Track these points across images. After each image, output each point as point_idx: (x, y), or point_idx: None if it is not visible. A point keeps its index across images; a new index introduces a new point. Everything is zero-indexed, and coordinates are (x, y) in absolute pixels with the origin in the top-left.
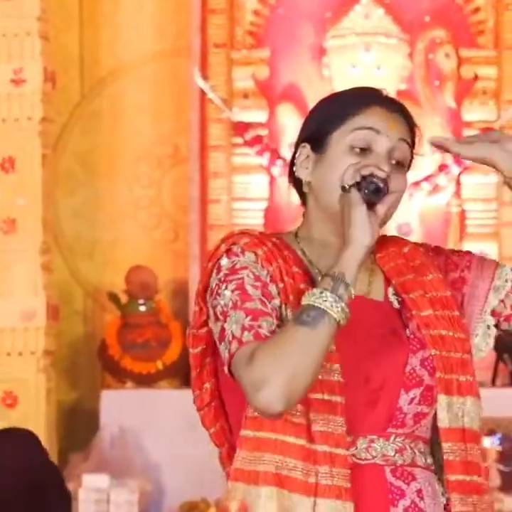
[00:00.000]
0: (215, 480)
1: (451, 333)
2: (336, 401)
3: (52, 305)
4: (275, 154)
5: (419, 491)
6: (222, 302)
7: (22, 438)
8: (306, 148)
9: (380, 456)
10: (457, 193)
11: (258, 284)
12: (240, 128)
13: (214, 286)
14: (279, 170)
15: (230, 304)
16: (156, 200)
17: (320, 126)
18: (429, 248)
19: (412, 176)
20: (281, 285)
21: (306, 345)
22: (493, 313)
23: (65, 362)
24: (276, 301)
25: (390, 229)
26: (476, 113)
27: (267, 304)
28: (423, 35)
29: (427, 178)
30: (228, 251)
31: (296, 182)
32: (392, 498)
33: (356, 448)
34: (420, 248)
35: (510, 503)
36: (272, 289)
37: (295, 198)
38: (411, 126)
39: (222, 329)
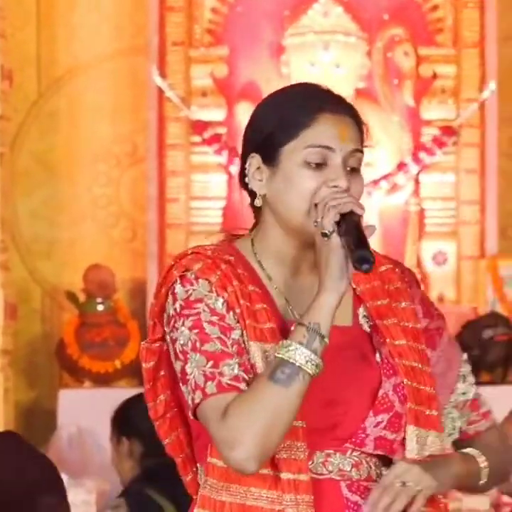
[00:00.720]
0: None
1: (420, 366)
2: (297, 426)
3: (9, 304)
4: (233, 153)
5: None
6: (181, 341)
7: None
8: (255, 159)
9: (337, 470)
10: (416, 192)
11: (215, 318)
12: (199, 126)
13: (171, 314)
14: (237, 169)
15: (190, 345)
16: (114, 199)
17: (269, 138)
18: (404, 270)
19: (370, 174)
20: (238, 310)
21: (279, 405)
22: (455, 407)
23: (23, 361)
24: (236, 332)
25: None
26: (434, 111)
27: (227, 341)
28: (382, 34)
29: (385, 177)
30: (182, 277)
31: (248, 191)
32: None
33: (313, 462)
34: (397, 269)
35: (468, 502)
36: (230, 319)
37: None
38: (359, 124)
39: (183, 371)
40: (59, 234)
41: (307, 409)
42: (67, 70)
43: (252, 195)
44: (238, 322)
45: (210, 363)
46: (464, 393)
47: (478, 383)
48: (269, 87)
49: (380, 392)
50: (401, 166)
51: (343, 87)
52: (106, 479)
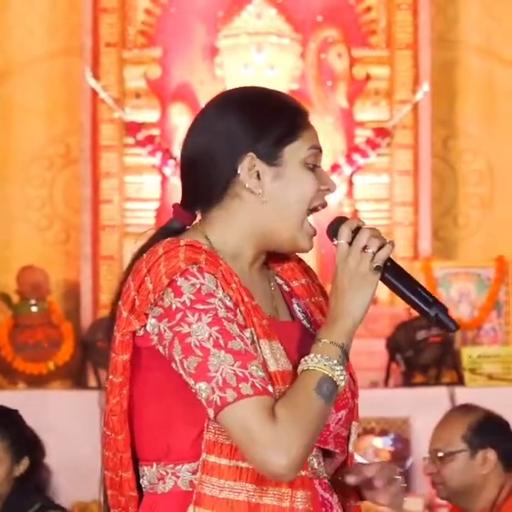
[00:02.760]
0: None
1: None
2: None
3: None
4: (167, 154)
5: (338, 502)
6: (199, 336)
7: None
8: (251, 157)
9: (310, 469)
10: (349, 194)
11: (231, 315)
12: (132, 128)
13: (174, 308)
14: (171, 170)
15: (212, 341)
16: (48, 200)
17: (272, 137)
18: (307, 266)
19: None
20: (242, 308)
21: (322, 419)
22: None
23: None
24: (248, 330)
25: None
26: (368, 113)
27: (246, 339)
28: (315, 35)
29: None
30: (186, 270)
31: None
32: (326, 511)
33: None
34: (303, 264)
35: (406, 503)
36: (240, 317)
37: None
38: None
39: (202, 367)
40: None
41: None
42: (1, 71)
43: (214, 191)
44: (245, 320)
45: (238, 363)
46: None
47: (412, 384)
48: (202, 88)
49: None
50: (335, 168)
51: (277, 89)
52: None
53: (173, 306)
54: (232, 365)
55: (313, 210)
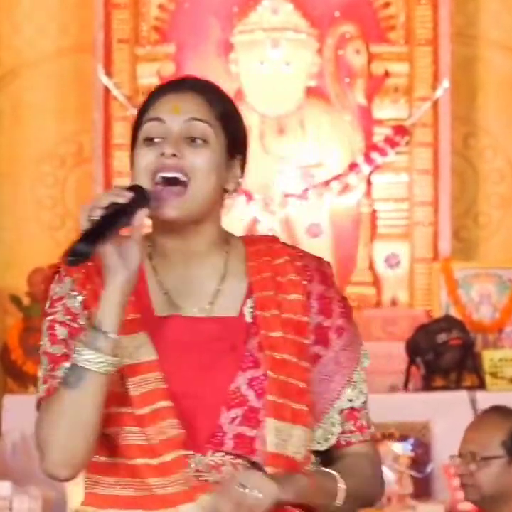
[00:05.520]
0: None
1: (295, 360)
2: (165, 406)
3: None
4: None
5: None
6: (41, 342)
7: None
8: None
9: (193, 472)
10: (368, 193)
11: (67, 319)
12: None
13: (45, 309)
14: None
15: (43, 347)
16: (60, 200)
17: (134, 124)
18: (310, 264)
19: (321, 175)
20: (94, 309)
21: (73, 408)
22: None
23: None
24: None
25: (300, 231)
26: (387, 110)
27: (71, 344)
28: (332, 31)
29: (336, 178)
30: (56, 275)
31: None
32: None
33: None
34: (298, 262)
35: (422, 510)
36: (83, 319)
37: None
38: (210, 99)
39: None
40: (2, 236)
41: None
42: (11, 68)
43: None
44: (89, 319)
45: (50, 366)
46: (350, 400)
47: (432, 388)
48: None
49: (232, 386)
50: (353, 167)
51: (293, 86)
52: (51, 486)
53: (46, 306)
54: (45, 368)
55: (163, 178)
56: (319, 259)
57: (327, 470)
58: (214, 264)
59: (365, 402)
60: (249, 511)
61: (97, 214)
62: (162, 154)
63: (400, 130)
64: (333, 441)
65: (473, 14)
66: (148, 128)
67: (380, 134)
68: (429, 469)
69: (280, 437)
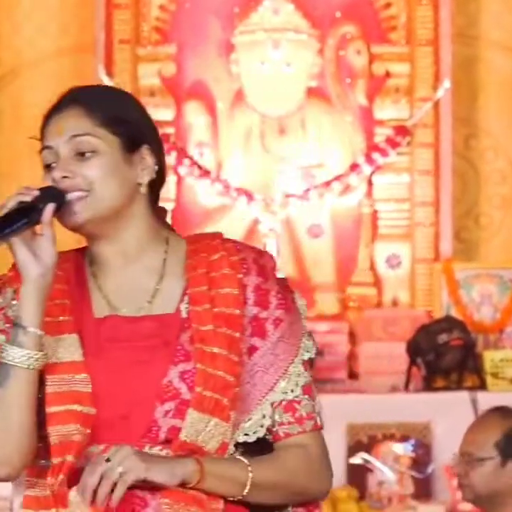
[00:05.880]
0: None
1: (225, 353)
2: (84, 412)
3: None
4: (182, 154)
5: (159, 504)
6: None
7: None
8: None
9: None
10: (369, 193)
11: (7, 327)
12: None
13: None
14: (186, 170)
15: None
16: None
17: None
18: (247, 258)
19: (322, 175)
20: None
21: (1, 407)
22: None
23: None
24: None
25: (300, 231)
26: (388, 111)
27: None
28: (333, 31)
29: (337, 178)
30: (2, 285)
31: None
32: (135, 508)
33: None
34: (234, 257)
35: (423, 511)
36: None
37: (202, 198)
38: (94, 108)
39: None
40: None
41: (100, 398)
42: (11, 68)
43: None
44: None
45: None
46: (284, 393)
47: (433, 389)
48: (218, 86)
49: (164, 380)
50: (354, 167)
51: (294, 86)
52: None
53: None
54: None
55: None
56: (259, 252)
57: (240, 458)
58: (152, 264)
59: (305, 394)
60: (112, 485)
61: (3, 213)
62: (54, 180)
63: (401, 130)
64: (261, 433)
65: (474, 15)
66: (44, 156)
67: (381, 134)
68: (429, 470)
69: (195, 427)
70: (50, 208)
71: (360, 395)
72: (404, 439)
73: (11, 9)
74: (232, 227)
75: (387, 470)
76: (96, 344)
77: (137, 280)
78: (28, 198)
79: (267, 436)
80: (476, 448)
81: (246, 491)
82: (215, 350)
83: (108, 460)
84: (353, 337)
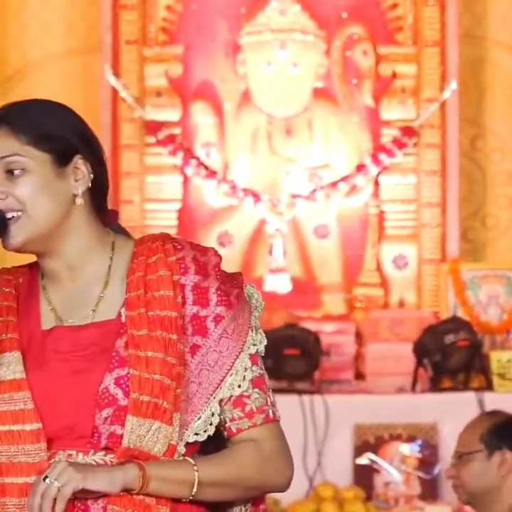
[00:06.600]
0: None
1: (160, 356)
2: (32, 429)
3: None
4: (189, 154)
5: (104, 508)
6: None
7: None
8: None
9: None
10: (375, 194)
11: None
12: (153, 127)
13: None
14: (192, 170)
15: None
16: None
17: None
18: (186, 258)
19: (328, 176)
20: None
21: None
22: (220, 402)
23: None
24: None
25: (307, 232)
26: (394, 112)
27: None
28: (340, 32)
29: (344, 179)
30: None
31: None
32: None
33: (54, 461)
34: (171, 257)
35: (430, 511)
36: None
37: (209, 198)
38: (20, 128)
39: None
40: None
41: (44, 411)
42: (18, 69)
43: None
44: None
45: None
46: (231, 388)
47: (439, 389)
48: (224, 86)
49: (101, 387)
50: (360, 168)
51: (301, 87)
52: None
53: None
54: None
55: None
56: (202, 250)
57: (187, 458)
58: (97, 271)
59: (254, 388)
60: (52, 501)
61: None
62: None
63: (408, 131)
64: (211, 431)
65: (481, 15)
66: None
67: (387, 135)
68: (436, 470)
69: (137, 433)
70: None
71: (366, 395)
72: (411, 439)
73: (19, 9)
74: (238, 227)
75: (394, 470)
76: (40, 357)
77: (83, 289)
78: None
79: (223, 433)
80: (464, 445)
81: (194, 491)
82: (150, 354)
83: (45, 478)
84: (359, 338)
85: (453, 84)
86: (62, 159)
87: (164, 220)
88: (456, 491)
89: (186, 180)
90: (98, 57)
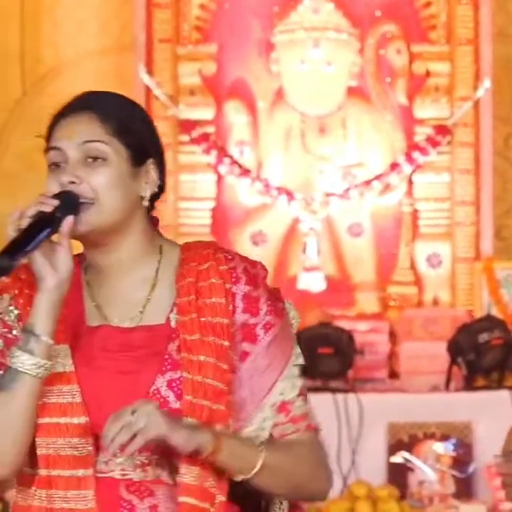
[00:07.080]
0: None
1: (212, 361)
2: (80, 423)
3: None
4: (222, 152)
5: (153, 507)
6: None
7: None
8: None
9: (118, 470)
10: (409, 193)
11: (5, 331)
12: (187, 125)
13: None
14: (226, 168)
15: None
16: None
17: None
18: (237, 267)
19: (362, 175)
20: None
21: (6, 409)
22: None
23: None
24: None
25: (341, 230)
26: (428, 110)
27: (6, 352)
28: (374, 31)
29: (378, 177)
30: None
31: None
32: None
33: (97, 461)
34: (223, 266)
35: (464, 510)
36: (18, 331)
37: (243, 197)
38: (107, 117)
39: None
40: None
41: (91, 407)
42: (52, 67)
43: None
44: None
45: None
46: (281, 394)
47: (473, 388)
48: (258, 85)
49: (152, 388)
50: (394, 166)
51: (335, 85)
52: None
53: None
54: None
55: None
56: (252, 263)
57: (252, 439)
58: (145, 273)
59: (299, 396)
60: (131, 435)
61: (24, 223)
62: (61, 184)
63: (442, 130)
64: (264, 436)
65: None
66: (50, 156)
67: (421, 133)
68: (471, 469)
69: None
70: (69, 219)
71: (400, 394)
72: (445, 438)
73: (52, 7)
74: (272, 226)
75: (428, 469)
76: (87, 353)
77: (130, 290)
78: (47, 209)
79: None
80: None
81: (255, 470)
82: (202, 358)
83: (133, 412)
84: (393, 336)
85: (486, 83)
86: (137, 158)
87: (198, 219)
88: (505, 489)
89: (220, 178)
90: (132, 56)
